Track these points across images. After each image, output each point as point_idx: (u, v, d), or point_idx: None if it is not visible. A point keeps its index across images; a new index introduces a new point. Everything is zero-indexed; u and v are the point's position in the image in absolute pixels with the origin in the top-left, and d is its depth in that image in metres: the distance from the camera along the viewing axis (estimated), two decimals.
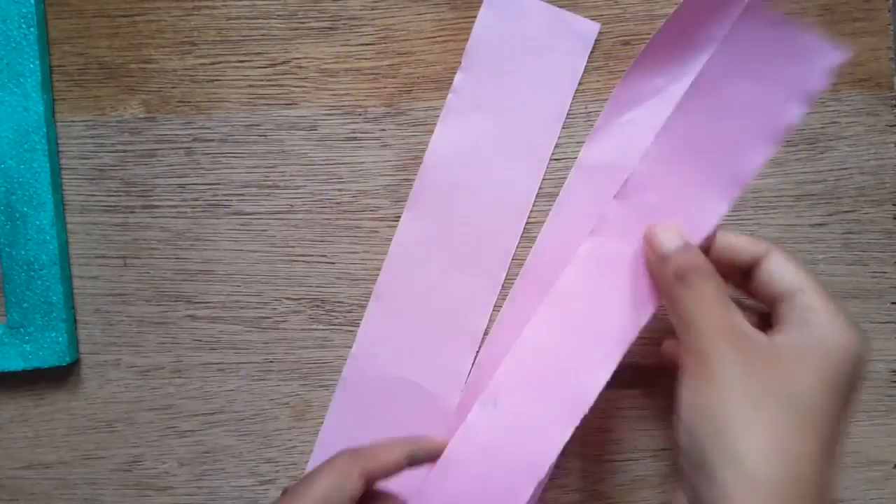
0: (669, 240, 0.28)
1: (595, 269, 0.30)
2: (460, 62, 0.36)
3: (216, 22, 0.36)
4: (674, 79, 0.34)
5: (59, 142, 0.36)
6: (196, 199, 0.36)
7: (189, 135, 0.36)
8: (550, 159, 0.36)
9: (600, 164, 0.35)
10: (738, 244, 0.29)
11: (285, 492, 0.29)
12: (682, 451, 0.26)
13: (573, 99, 0.36)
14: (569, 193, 0.36)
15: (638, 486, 0.36)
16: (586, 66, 0.36)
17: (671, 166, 0.29)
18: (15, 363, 0.35)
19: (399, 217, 0.36)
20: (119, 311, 0.36)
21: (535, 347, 0.30)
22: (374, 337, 0.36)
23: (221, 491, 0.36)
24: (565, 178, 0.36)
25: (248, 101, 0.36)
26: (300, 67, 0.36)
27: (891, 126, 0.36)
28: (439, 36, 0.36)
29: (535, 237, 0.36)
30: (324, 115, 0.36)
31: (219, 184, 0.36)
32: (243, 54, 0.36)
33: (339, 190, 0.36)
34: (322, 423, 0.36)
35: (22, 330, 0.35)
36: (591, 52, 0.36)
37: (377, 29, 0.36)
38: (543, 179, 0.36)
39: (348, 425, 0.36)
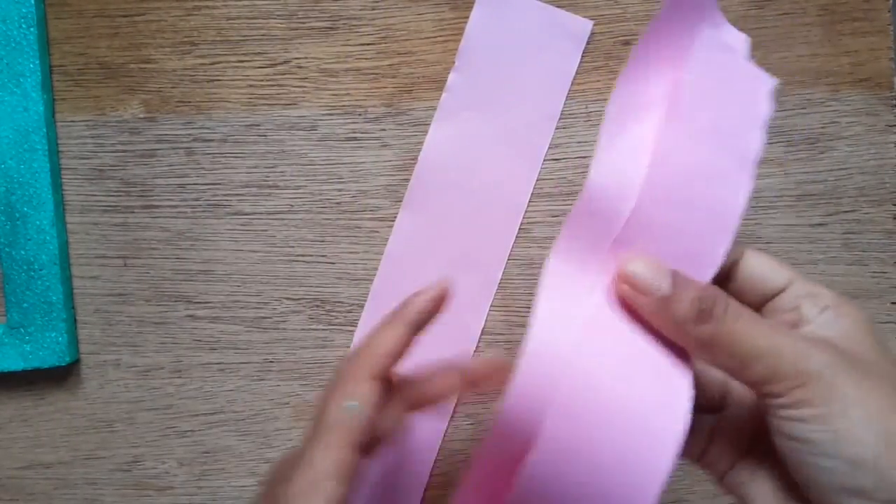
0: (654, 274, 0.23)
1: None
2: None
3: (216, 22, 0.36)
4: (648, 125, 0.29)
5: (59, 142, 0.36)
6: (196, 199, 0.36)
7: (189, 135, 0.36)
8: (549, 160, 0.36)
9: (603, 203, 0.27)
10: None
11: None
12: (862, 494, 0.22)
13: (573, 100, 0.36)
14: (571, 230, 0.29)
15: None
16: (587, 65, 0.36)
17: (667, 206, 0.26)
18: (15, 363, 0.35)
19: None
20: (119, 311, 0.36)
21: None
22: None
23: (222, 491, 0.36)
24: (565, 178, 0.36)
25: (248, 101, 0.36)
26: (300, 67, 0.36)
27: (891, 126, 0.36)
28: (439, 36, 0.36)
29: (532, 235, 0.36)
30: (324, 115, 0.36)
31: (219, 184, 0.36)
32: (243, 54, 0.36)
33: (339, 190, 0.36)
34: None
35: (22, 330, 0.35)
36: (592, 52, 0.36)
37: (377, 29, 0.36)
38: (541, 179, 0.36)
39: None
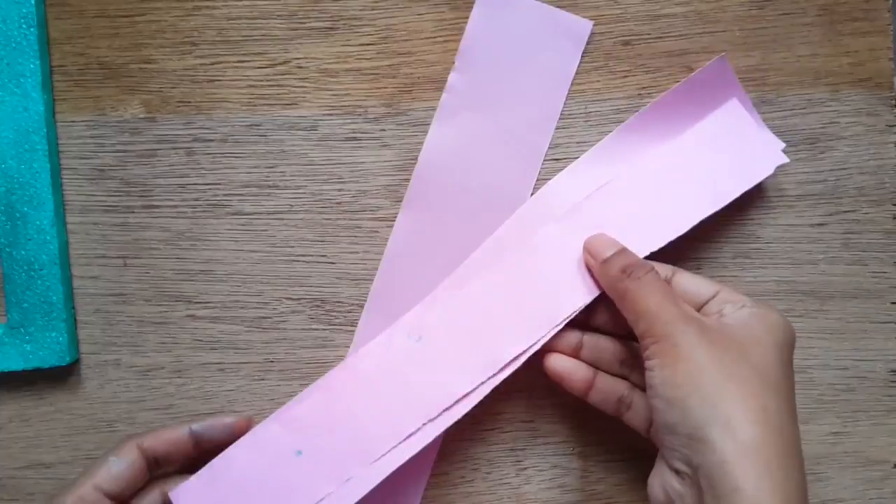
0: (607, 245, 0.32)
1: (543, 256, 0.34)
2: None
3: (216, 22, 0.36)
4: (654, 150, 0.35)
5: (60, 142, 0.36)
6: (196, 200, 0.36)
7: (189, 135, 0.36)
8: (549, 160, 0.36)
9: (559, 197, 0.35)
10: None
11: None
12: (672, 429, 0.28)
13: (573, 100, 0.37)
14: (522, 212, 0.36)
15: (638, 485, 0.36)
16: (586, 66, 0.37)
17: (617, 204, 0.34)
18: (15, 363, 0.35)
19: None
20: (119, 311, 0.36)
21: (471, 303, 0.34)
22: (371, 337, 0.36)
23: None
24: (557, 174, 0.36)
25: (248, 101, 0.36)
26: (300, 67, 0.36)
27: (891, 126, 0.36)
28: (439, 36, 0.36)
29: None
30: (324, 115, 0.36)
31: (219, 184, 0.36)
32: (243, 54, 0.36)
33: (339, 190, 0.36)
34: None
35: (22, 330, 0.35)
36: (592, 52, 0.37)
37: (377, 29, 0.36)
38: (541, 179, 0.36)
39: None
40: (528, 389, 0.36)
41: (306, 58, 0.36)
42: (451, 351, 0.33)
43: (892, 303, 0.37)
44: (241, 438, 0.33)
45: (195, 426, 0.33)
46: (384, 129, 0.36)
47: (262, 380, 0.36)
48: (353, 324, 0.36)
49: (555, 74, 0.36)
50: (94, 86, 0.36)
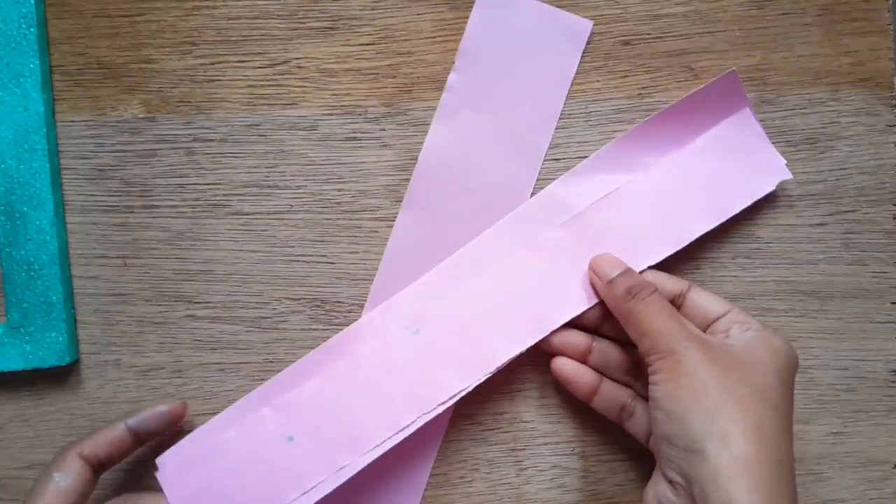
0: (612, 266, 0.33)
1: (545, 260, 0.34)
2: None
3: (216, 22, 0.36)
4: (658, 160, 0.35)
5: (59, 142, 0.36)
6: (196, 199, 0.36)
7: (189, 135, 0.36)
8: (549, 160, 0.36)
9: (560, 201, 0.35)
10: (662, 280, 0.33)
11: None
12: (670, 440, 0.29)
13: (573, 100, 0.36)
14: (523, 211, 0.36)
15: (638, 486, 0.36)
16: (586, 66, 0.37)
17: (623, 212, 0.35)
18: (15, 363, 0.35)
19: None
20: (119, 311, 0.36)
21: (470, 300, 0.34)
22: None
23: None
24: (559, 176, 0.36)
25: (248, 101, 0.36)
26: (300, 67, 0.36)
27: (891, 126, 0.36)
28: (439, 36, 0.36)
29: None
30: (324, 115, 0.36)
31: (219, 184, 0.36)
32: (243, 54, 0.36)
33: (339, 190, 0.36)
34: None
35: (22, 330, 0.35)
36: (592, 52, 0.37)
37: (377, 29, 0.36)
38: (541, 179, 0.36)
39: None
40: (528, 389, 0.36)
41: (306, 58, 0.36)
42: (447, 346, 0.33)
43: (893, 303, 0.37)
44: (225, 417, 0.33)
45: (130, 422, 0.33)
46: (384, 129, 0.36)
47: (262, 380, 0.36)
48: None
49: (555, 74, 0.36)
50: (94, 86, 0.36)
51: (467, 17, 0.36)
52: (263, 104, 0.36)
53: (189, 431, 0.34)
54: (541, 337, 0.34)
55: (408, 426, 0.33)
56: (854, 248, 0.37)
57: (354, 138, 0.36)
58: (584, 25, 0.36)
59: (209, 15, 0.36)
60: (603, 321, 0.34)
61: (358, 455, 0.32)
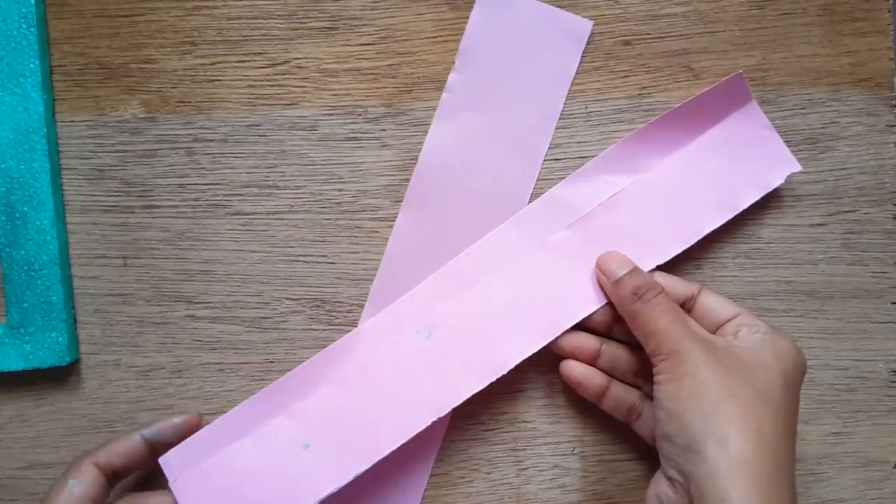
0: (620, 265, 0.33)
1: (554, 261, 0.34)
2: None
3: (216, 22, 0.36)
4: (663, 161, 0.35)
5: (59, 142, 0.36)
6: (196, 200, 0.36)
7: (189, 135, 0.36)
8: (549, 160, 0.36)
9: (565, 202, 0.35)
10: (674, 283, 0.33)
11: None
12: (669, 439, 0.29)
13: (573, 100, 0.36)
14: (528, 213, 0.36)
15: (638, 486, 0.36)
16: (586, 66, 0.37)
17: (630, 211, 0.35)
18: (15, 363, 0.35)
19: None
20: (119, 311, 0.36)
21: (480, 302, 0.34)
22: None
23: None
24: (565, 178, 0.36)
25: (248, 101, 0.36)
26: (300, 67, 0.36)
27: (891, 126, 0.36)
28: (439, 36, 0.36)
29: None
30: (324, 115, 0.36)
31: (219, 184, 0.36)
32: (243, 54, 0.36)
33: (339, 190, 0.36)
34: None
35: (22, 330, 0.35)
36: (592, 52, 0.37)
37: (377, 29, 0.36)
38: (541, 179, 0.36)
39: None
40: (529, 389, 0.36)
41: (306, 58, 0.36)
42: (459, 350, 0.33)
43: (893, 303, 0.37)
44: (236, 423, 0.33)
45: (146, 432, 0.33)
46: (384, 129, 0.36)
47: (262, 380, 0.36)
48: (353, 324, 0.36)
49: (555, 74, 0.36)
50: (94, 86, 0.36)
51: (467, 17, 0.36)
52: (263, 104, 0.36)
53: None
54: (552, 338, 0.34)
55: (422, 431, 0.33)
56: (854, 248, 0.37)
57: (354, 138, 0.36)
58: (584, 25, 0.36)
59: (209, 15, 0.36)
60: (613, 324, 0.34)
61: (374, 461, 0.32)
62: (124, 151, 0.36)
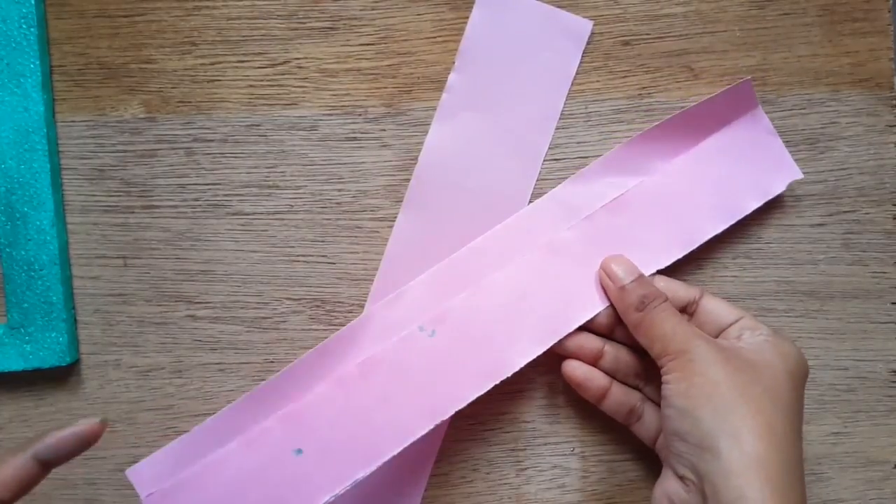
0: (626, 272, 0.33)
1: (558, 262, 0.34)
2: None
3: (216, 22, 0.36)
4: (667, 163, 0.35)
5: (60, 142, 0.36)
6: (196, 200, 0.36)
7: (189, 135, 0.36)
8: (549, 160, 0.36)
9: (567, 203, 0.35)
10: (675, 288, 0.34)
11: None
12: (682, 437, 0.29)
13: (573, 100, 0.36)
14: (528, 214, 0.35)
15: (638, 485, 0.36)
16: (586, 66, 0.37)
17: (633, 214, 0.34)
18: (15, 363, 0.35)
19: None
20: (119, 312, 0.36)
21: (485, 302, 0.33)
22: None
23: None
24: (565, 178, 0.36)
25: (248, 101, 0.36)
26: (300, 67, 0.36)
27: (891, 126, 0.36)
28: (439, 36, 0.36)
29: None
30: (324, 115, 0.36)
31: (219, 184, 0.36)
32: (243, 54, 0.36)
33: (339, 190, 0.36)
34: None
35: (22, 330, 0.35)
36: (592, 52, 0.37)
37: (377, 29, 0.36)
38: (541, 179, 0.36)
39: None
40: (529, 389, 0.36)
41: (306, 58, 0.36)
42: (463, 350, 0.33)
43: (893, 303, 0.37)
44: (217, 428, 0.31)
45: (40, 451, 0.27)
46: (384, 129, 0.36)
47: (262, 380, 0.36)
48: None
49: (555, 74, 0.36)
50: (94, 86, 0.36)
51: (467, 17, 0.36)
52: (263, 104, 0.36)
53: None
54: (556, 340, 0.33)
55: (423, 434, 0.32)
56: (854, 248, 0.37)
57: (354, 138, 0.36)
58: (584, 25, 0.36)
59: (209, 15, 0.36)
60: (615, 326, 0.34)
61: (372, 467, 0.31)
62: (124, 151, 0.36)
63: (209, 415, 0.36)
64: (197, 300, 0.36)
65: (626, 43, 0.36)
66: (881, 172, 0.36)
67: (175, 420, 0.36)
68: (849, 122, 0.36)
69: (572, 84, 0.36)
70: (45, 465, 0.27)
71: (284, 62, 0.36)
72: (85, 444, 0.28)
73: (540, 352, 0.33)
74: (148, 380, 0.36)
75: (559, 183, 0.36)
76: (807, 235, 0.37)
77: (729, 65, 0.36)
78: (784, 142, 0.36)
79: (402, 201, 0.36)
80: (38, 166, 0.35)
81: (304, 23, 0.36)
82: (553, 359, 0.35)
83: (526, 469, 0.36)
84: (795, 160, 0.36)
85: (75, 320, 0.36)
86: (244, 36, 0.36)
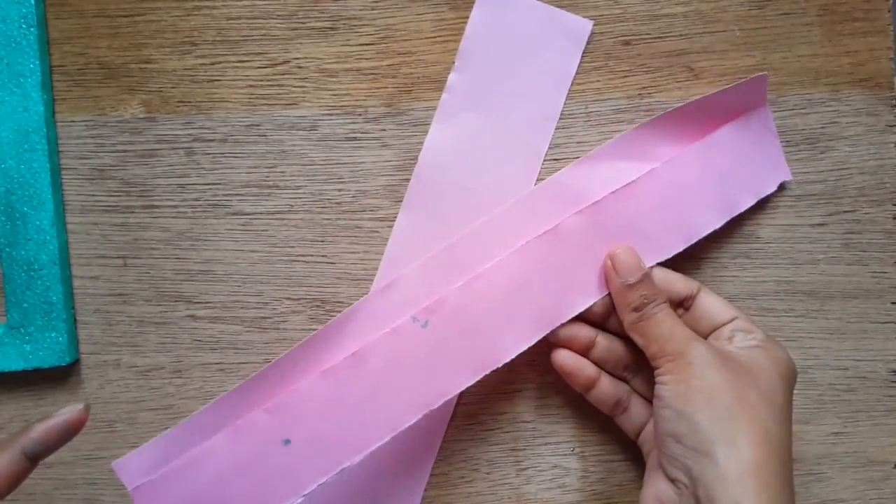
0: (632, 269, 0.32)
1: (559, 248, 0.33)
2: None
3: (216, 22, 0.36)
4: (672, 151, 0.35)
5: (59, 142, 0.36)
6: (196, 200, 0.36)
7: (189, 135, 0.36)
8: (549, 159, 0.36)
9: (571, 186, 0.35)
10: (674, 281, 0.33)
11: None
12: (678, 439, 0.29)
13: (573, 99, 0.36)
14: (531, 197, 0.35)
15: (638, 486, 0.36)
16: (586, 66, 0.37)
17: (640, 203, 0.33)
18: (15, 363, 0.35)
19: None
20: (119, 311, 0.36)
21: (481, 290, 0.33)
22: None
23: None
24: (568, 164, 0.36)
25: (248, 101, 0.36)
26: (300, 67, 0.36)
27: (891, 126, 0.36)
28: (439, 36, 0.36)
29: None
30: (324, 115, 0.36)
31: (219, 184, 0.36)
32: (243, 54, 0.36)
33: (339, 190, 0.36)
34: None
35: (22, 330, 0.35)
36: (592, 52, 0.36)
37: (377, 29, 0.36)
38: (541, 179, 0.36)
39: None
40: (528, 389, 0.36)
41: (306, 58, 0.36)
42: (456, 341, 0.32)
43: (893, 303, 0.37)
44: (203, 420, 0.31)
45: (27, 447, 0.27)
46: (384, 129, 0.36)
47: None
48: None
49: (555, 74, 0.36)
50: (94, 86, 0.36)
51: (467, 17, 0.36)
52: (263, 104, 0.36)
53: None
54: (550, 330, 0.33)
55: (413, 424, 0.31)
56: (854, 248, 0.37)
57: (354, 138, 0.36)
58: (584, 25, 0.36)
59: (209, 15, 0.36)
60: (609, 315, 0.34)
61: (360, 456, 0.31)
62: (124, 151, 0.36)
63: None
64: (197, 300, 0.36)
65: (627, 43, 0.36)
66: (881, 172, 0.36)
67: (175, 420, 0.36)
68: (849, 121, 0.36)
69: (572, 84, 0.36)
70: (34, 458, 0.27)
71: (284, 62, 0.36)
72: (71, 432, 0.27)
73: (534, 340, 0.33)
74: (148, 380, 0.36)
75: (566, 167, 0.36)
76: (807, 235, 0.37)
77: (729, 65, 0.36)
78: (784, 142, 0.36)
79: (402, 201, 0.36)
80: (38, 166, 0.35)
81: (303, 23, 0.36)
82: (551, 356, 0.35)
83: (526, 469, 0.36)
84: (795, 160, 0.36)
85: (75, 320, 0.36)
86: (244, 36, 0.36)
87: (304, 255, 0.36)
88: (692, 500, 0.29)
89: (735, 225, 0.36)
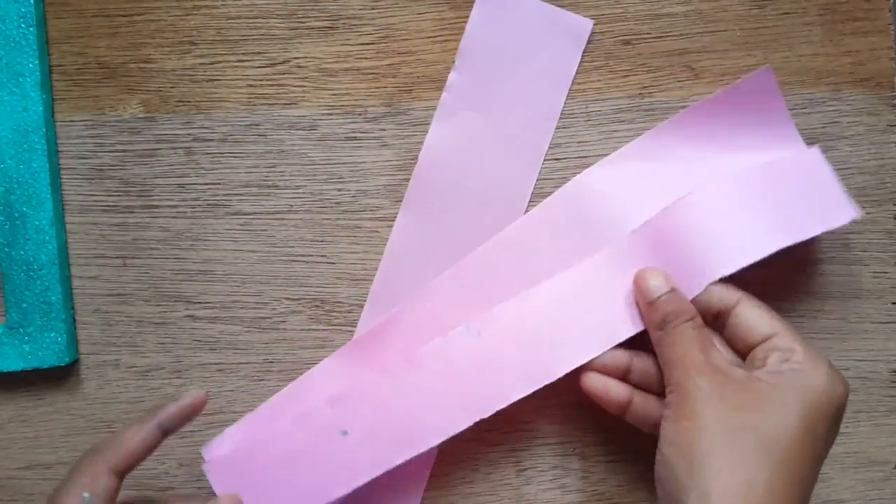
0: (657, 286, 0.31)
1: (615, 270, 0.33)
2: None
3: (216, 22, 0.36)
4: (698, 156, 0.35)
5: (59, 142, 0.36)
6: (196, 199, 0.36)
7: (189, 135, 0.36)
8: (549, 159, 0.36)
9: (594, 188, 0.35)
10: (711, 293, 0.31)
11: None
12: (660, 483, 0.29)
13: (573, 99, 0.36)
14: (557, 201, 0.35)
15: (638, 486, 0.36)
16: (587, 65, 0.36)
17: (689, 224, 0.32)
18: (14, 363, 0.35)
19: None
20: (118, 311, 0.36)
21: (533, 307, 0.33)
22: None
23: None
24: (565, 178, 0.36)
25: (248, 101, 0.36)
26: (300, 67, 0.36)
27: (891, 126, 0.36)
28: (439, 35, 0.36)
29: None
30: (324, 114, 0.36)
31: (218, 184, 0.36)
32: (243, 54, 0.36)
33: (339, 190, 0.36)
34: None
35: (21, 330, 0.35)
36: (592, 51, 0.36)
37: (377, 28, 0.36)
38: (541, 179, 0.36)
39: None
40: None
41: (306, 57, 0.36)
42: (509, 352, 0.33)
43: (894, 303, 0.37)
44: (274, 406, 0.34)
45: (163, 421, 0.30)
46: (384, 129, 0.36)
47: (262, 380, 0.36)
48: (353, 324, 0.36)
49: (555, 74, 0.36)
50: (93, 85, 0.36)
51: (467, 17, 0.36)
52: (263, 104, 0.36)
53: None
54: (603, 350, 0.32)
55: (465, 429, 0.33)
56: (854, 248, 0.37)
57: (354, 138, 0.36)
58: (584, 25, 0.36)
59: (209, 14, 0.36)
60: (646, 334, 0.32)
61: (412, 455, 0.32)
62: (123, 151, 0.36)
63: (210, 415, 0.36)
64: (196, 300, 0.36)
65: (627, 42, 0.36)
66: (882, 172, 0.36)
67: None
68: (850, 121, 0.36)
69: (573, 83, 0.36)
70: (165, 432, 0.30)
71: (284, 62, 0.36)
72: (195, 412, 0.31)
73: (588, 358, 0.32)
74: (147, 380, 0.36)
75: (560, 183, 0.36)
76: None
77: (729, 64, 0.36)
78: None
79: (402, 201, 0.36)
80: (37, 166, 0.35)
81: (303, 22, 0.36)
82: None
83: (526, 469, 0.36)
84: None
85: (74, 320, 0.36)
86: (243, 35, 0.36)
87: (303, 255, 0.36)
88: None
89: None
